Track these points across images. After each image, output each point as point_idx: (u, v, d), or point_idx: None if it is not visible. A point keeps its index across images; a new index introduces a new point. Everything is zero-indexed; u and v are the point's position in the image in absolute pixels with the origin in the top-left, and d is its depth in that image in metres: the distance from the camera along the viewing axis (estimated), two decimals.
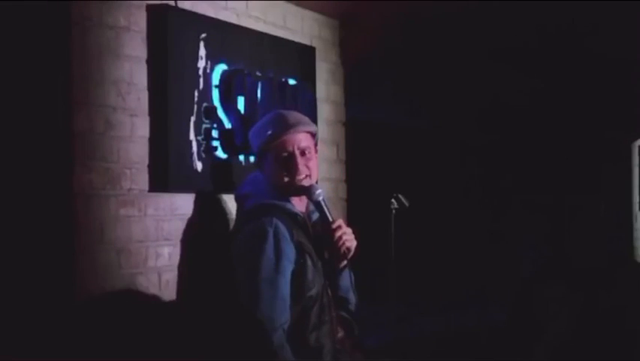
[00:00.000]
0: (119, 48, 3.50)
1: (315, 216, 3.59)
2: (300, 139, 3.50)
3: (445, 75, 7.00)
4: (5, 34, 3.32)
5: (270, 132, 3.49)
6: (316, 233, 3.53)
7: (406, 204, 3.87)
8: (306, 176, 3.49)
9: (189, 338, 3.74)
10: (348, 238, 3.49)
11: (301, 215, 3.50)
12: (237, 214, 3.60)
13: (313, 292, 3.41)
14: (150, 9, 3.65)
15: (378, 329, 5.57)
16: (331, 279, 3.53)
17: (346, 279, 3.60)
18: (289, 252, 3.36)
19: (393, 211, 3.93)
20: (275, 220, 3.37)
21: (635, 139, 9.25)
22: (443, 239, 7.96)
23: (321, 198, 3.48)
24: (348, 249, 3.50)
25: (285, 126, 3.50)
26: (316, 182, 3.55)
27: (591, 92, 7.81)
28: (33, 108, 3.33)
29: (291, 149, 3.48)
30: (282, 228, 3.37)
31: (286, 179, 3.48)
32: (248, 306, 3.29)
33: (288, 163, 3.48)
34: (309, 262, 3.41)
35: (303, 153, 3.49)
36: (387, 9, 5.05)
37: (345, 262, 3.54)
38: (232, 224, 3.98)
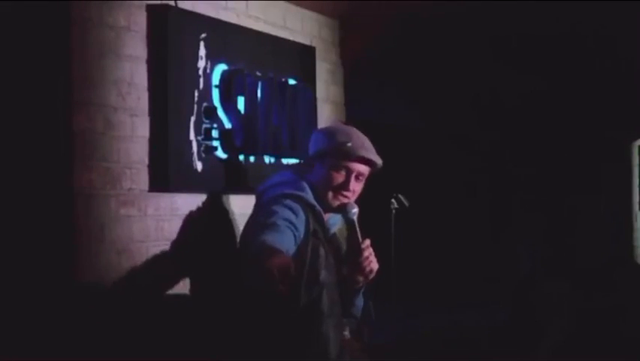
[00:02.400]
0: (119, 48, 3.51)
1: (334, 229, 3.59)
2: (362, 166, 3.51)
3: (445, 75, 7.00)
4: (5, 34, 3.33)
5: (348, 145, 3.46)
6: (332, 245, 3.54)
7: (406, 204, 3.87)
8: (348, 198, 3.50)
9: (190, 337, 3.74)
10: (373, 260, 3.51)
11: (319, 208, 3.48)
12: (255, 207, 3.54)
13: (323, 277, 3.38)
14: (150, 9, 3.65)
15: (378, 329, 5.57)
16: (346, 297, 3.54)
17: (360, 299, 3.62)
18: (300, 225, 3.34)
19: (393, 211, 3.94)
20: (297, 204, 3.37)
21: (635, 139, 9.25)
22: (443, 239, 7.96)
23: (355, 217, 3.49)
24: (371, 270, 3.51)
25: (362, 150, 3.48)
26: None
27: (591, 91, 7.82)
28: (33, 108, 3.33)
29: (351, 170, 3.48)
30: (301, 210, 3.37)
31: (330, 193, 3.48)
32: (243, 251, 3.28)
33: (341, 183, 3.48)
34: (322, 252, 3.40)
35: (357, 178, 3.51)
36: (387, 9, 5.06)
37: (362, 282, 3.54)
38: (232, 224, 3.99)
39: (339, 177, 3.48)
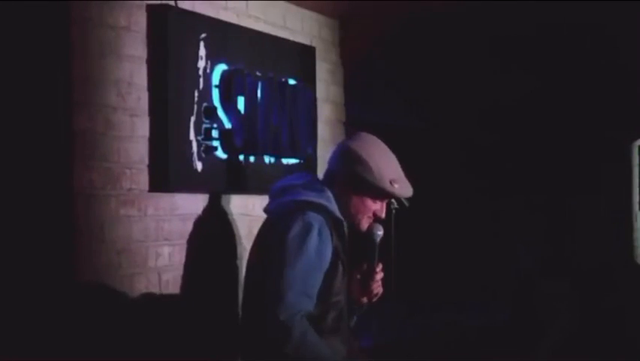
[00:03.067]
0: (119, 48, 3.51)
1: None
2: None
3: (445, 75, 7.00)
4: (5, 34, 3.32)
5: (396, 186, 3.39)
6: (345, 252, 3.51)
7: (406, 204, 3.87)
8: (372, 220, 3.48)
9: (189, 337, 3.74)
10: (380, 284, 3.50)
11: (342, 220, 3.40)
12: (272, 207, 3.44)
13: (337, 298, 3.36)
14: (150, 9, 3.65)
15: (378, 329, 5.57)
16: (351, 310, 3.52)
17: (352, 323, 3.61)
18: (327, 253, 3.30)
19: (393, 211, 3.93)
20: (321, 218, 3.30)
21: (635, 139, 9.24)
22: (443, 239, 7.96)
23: (378, 240, 3.45)
24: (377, 294, 3.50)
25: (406, 191, 3.43)
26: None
27: (591, 91, 7.81)
28: (33, 108, 3.33)
29: (385, 202, 3.44)
30: (326, 228, 3.30)
31: (365, 219, 3.42)
32: (273, 293, 3.20)
33: (376, 210, 3.42)
34: (340, 269, 3.36)
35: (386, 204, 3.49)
36: (388, 9, 5.06)
37: (365, 304, 3.52)
38: (232, 224, 3.99)
39: (375, 205, 3.42)
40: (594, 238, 8.55)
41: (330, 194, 3.38)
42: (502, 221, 8.45)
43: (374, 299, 3.51)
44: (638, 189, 9.29)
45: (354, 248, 3.54)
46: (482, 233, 8.29)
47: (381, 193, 3.40)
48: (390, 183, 3.39)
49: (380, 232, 3.46)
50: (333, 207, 3.37)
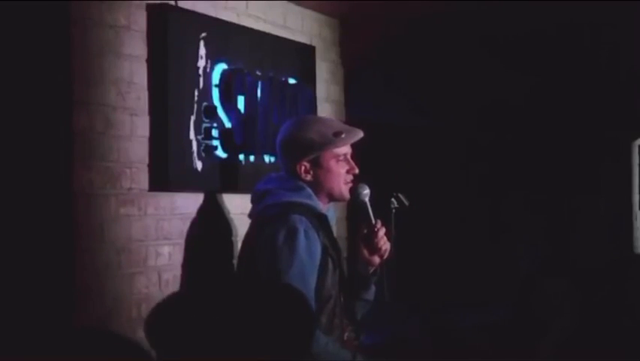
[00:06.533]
0: (119, 47, 3.50)
1: (333, 220, 3.56)
2: (349, 146, 3.48)
3: (445, 74, 6.99)
4: (5, 34, 3.32)
5: (342, 137, 3.40)
6: (334, 245, 3.50)
7: (406, 203, 3.88)
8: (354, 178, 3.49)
9: (189, 337, 3.74)
10: (385, 239, 3.52)
11: (325, 215, 3.43)
12: (256, 211, 3.46)
13: (330, 294, 3.37)
14: (150, 8, 3.65)
15: (377, 329, 5.57)
16: (361, 284, 3.53)
17: (371, 294, 3.60)
18: (318, 252, 3.32)
19: (393, 211, 3.94)
20: (304, 219, 3.31)
21: (635, 139, 9.23)
22: (443, 238, 7.96)
23: (367, 199, 3.47)
24: (386, 250, 3.52)
25: (354, 135, 3.44)
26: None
27: (591, 91, 7.81)
28: (33, 108, 3.33)
29: (347, 154, 3.45)
30: (311, 227, 3.32)
31: (343, 186, 3.43)
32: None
33: (347, 170, 3.44)
34: (330, 265, 3.37)
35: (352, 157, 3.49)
36: (388, 9, 5.05)
37: (378, 263, 3.53)
38: (232, 224, 3.99)
39: (343, 167, 3.44)
40: (594, 238, 8.55)
41: (309, 191, 3.39)
42: (503, 220, 8.45)
43: (385, 255, 3.52)
44: (638, 189, 9.29)
45: (352, 217, 3.57)
46: (482, 232, 8.29)
47: (332, 149, 3.40)
48: (335, 135, 3.41)
49: (365, 191, 3.47)
50: (315, 202, 3.39)
